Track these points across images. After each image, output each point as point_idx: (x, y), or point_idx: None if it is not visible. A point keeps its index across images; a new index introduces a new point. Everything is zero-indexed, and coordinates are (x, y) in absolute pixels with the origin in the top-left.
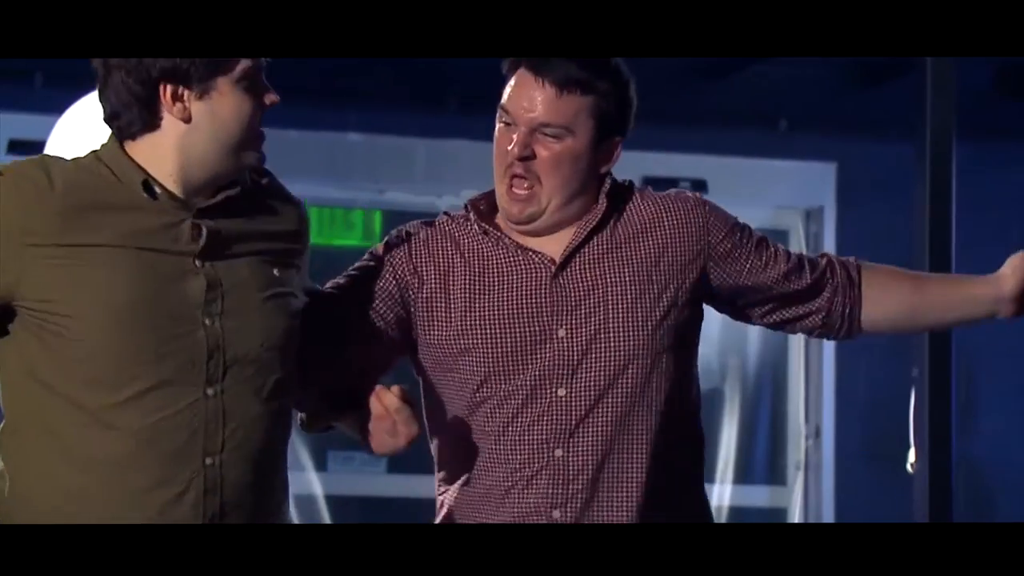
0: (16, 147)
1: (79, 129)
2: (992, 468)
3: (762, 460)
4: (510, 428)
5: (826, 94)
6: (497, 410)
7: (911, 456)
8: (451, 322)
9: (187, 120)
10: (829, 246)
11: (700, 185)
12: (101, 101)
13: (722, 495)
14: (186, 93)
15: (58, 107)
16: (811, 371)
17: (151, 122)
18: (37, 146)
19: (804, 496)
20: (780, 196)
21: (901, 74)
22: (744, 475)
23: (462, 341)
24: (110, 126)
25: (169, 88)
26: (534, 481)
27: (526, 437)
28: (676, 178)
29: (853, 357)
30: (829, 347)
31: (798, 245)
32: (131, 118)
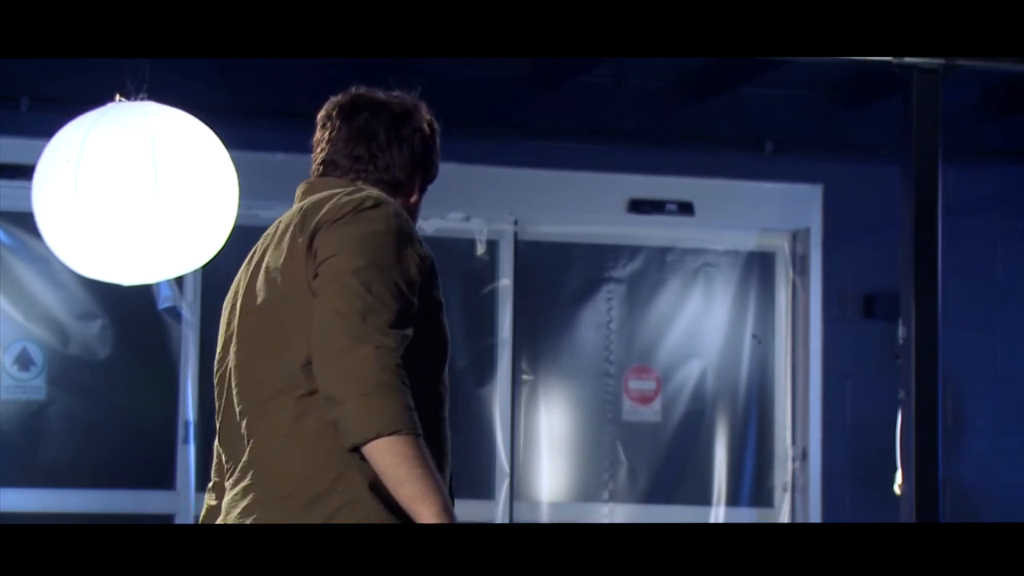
0: (3, 171)
1: (67, 153)
2: (978, 490)
3: (749, 482)
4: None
5: (812, 116)
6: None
7: (898, 478)
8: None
9: None
10: (815, 267)
11: (686, 207)
12: None
13: (708, 517)
14: None
15: (44, 131)
16: (798, 393)
17: None
18: (23, 170)
19: (791, 518)
20: (766, 218)
21: (886, 95)
22: (731, 497)
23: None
24: None
25: None
26: None
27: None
28: (662, 200)
29: (840, 379)
30: (816, 369)
31: (785, 267)
32: None
